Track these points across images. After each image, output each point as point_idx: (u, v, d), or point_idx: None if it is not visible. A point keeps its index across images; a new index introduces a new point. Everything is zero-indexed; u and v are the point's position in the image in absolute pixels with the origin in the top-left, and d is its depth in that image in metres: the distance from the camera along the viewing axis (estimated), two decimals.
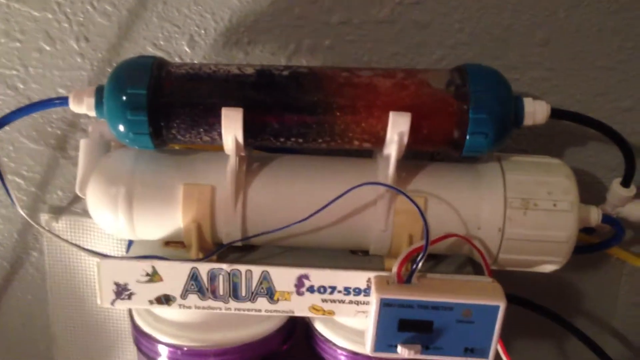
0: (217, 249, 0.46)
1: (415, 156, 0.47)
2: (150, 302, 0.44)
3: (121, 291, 0.44)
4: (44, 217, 0.60)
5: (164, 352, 0.48)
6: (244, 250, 0.48)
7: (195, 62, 0.53)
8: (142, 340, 0.49)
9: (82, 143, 0.48)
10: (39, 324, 0.66)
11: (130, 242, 0.51)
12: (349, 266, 0.44)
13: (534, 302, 0.53)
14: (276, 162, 0.46)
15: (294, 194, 0.45)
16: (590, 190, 0.57)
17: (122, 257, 0.46)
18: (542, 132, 0.55)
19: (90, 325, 0.65)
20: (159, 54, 0.54)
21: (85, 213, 0.60)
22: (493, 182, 0.45)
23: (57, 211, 0.60)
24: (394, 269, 0.42)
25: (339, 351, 0.48)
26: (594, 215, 0.47)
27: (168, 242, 0.49)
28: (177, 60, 0.54)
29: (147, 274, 0.43)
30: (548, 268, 0.47)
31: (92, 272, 0.62)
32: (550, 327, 0.57)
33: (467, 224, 0.45)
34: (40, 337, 0.67)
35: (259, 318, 0.48)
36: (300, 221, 0.44)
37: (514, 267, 0.47)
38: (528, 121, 0.44)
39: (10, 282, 0.65)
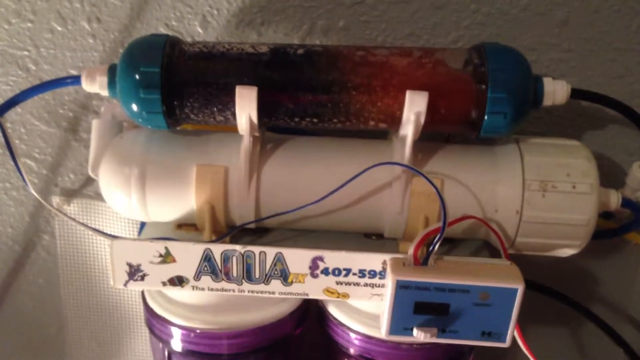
0: (230, 231, 0.46)
1: (430, 138, 0.47)
2: (163, 283, 0.44)
3: (134, 272, 0.43)
4: (55, 200, 0.60)
5: (176, 334, 0.48)
6: (257, 232, 0.48)
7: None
8: (155, 323, 0.49)
9: (95, 123, 0.48)
10: (51, 307, 0.66)
11: (143, 225, 0.50)
12: (363, 249, 0.44)
13: (550, 288, 0.53)
14: (290, 143, 0.46)
15: (308, 175, 0.44)
16: (608, 175, 0.56)
17: (135, 238, 0.45)
18: (560, 114, 0.54)
19: (102, 308, 0.64)
20: (172, 34, 0.53)
21: (97, 196, 0.60)
22: (511, 164, 0.44)
23: (69, 194, 0.60)
24: (411, 251, 0.41)
25: (353, 335, 0.48)
26: (614, 199, 0.46)
27: (180, 225, 0.48)
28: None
29: (160, 255, 0.43)
30: (566, 252, 0.46)
31: (104, 255, 0.61)
32: (566, 313, 0.56)
33: (484, 206, 0.44)
34: (52, 320, 0.67)
35: (272, 301, 0.48)
36: (314, 202, 0.43)
37: (531, 251, 0.46)
38: (548, 101, 0.43)
39: (22, 265, 0.65)
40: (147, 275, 0.43)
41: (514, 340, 0.42)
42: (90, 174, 0.47)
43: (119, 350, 0.67)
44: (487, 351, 0.44)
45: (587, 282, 0.61)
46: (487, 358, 0.54)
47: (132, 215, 0.47)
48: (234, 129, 0.44)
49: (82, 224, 0.57)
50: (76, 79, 0.44)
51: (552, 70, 0.53)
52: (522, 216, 0.43)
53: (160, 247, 0.43)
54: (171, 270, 0.43)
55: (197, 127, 0.50)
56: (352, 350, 0.48)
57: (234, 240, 0.47)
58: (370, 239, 0.48)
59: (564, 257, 0.47)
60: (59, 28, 0.53)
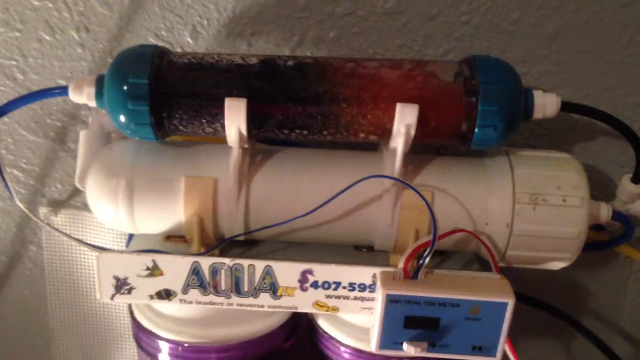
0: (219, 244, 0.45)
1: (421, 150, 0.47)
2: (151, 296, 0.43)
3: (121, 285, 0.43)
4: (42, 211, 0.59)
5: (164, 348, 0.47)
6: (246, 245, 0.47)
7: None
8: (142, 336, 0.48)
9: (82, 134, 0.47)
10: (37, 319, 0.65)
11: (131, 236, 0.50)
12: (353, 262, 0.43)
13: (541, 300, 0.52)
14: (280, 155, 0.46)
15: (298, 187, 0.44)
16: (599, 187, 0.56)
17: (122, 251, 0.45)
18: (550, 126, 0.54)
19: (89, 320, 0.64)
20: (161, 44, 0.53)
21: (85, 207, 0.59)
22: (501, 176, 0.44)
23: (56, 204, 0.59)
24: (400, 264, 0.41)
25: (343, 348, 0.47)
26: (604, 212, 0.46)
27: (169, 237, 0.48)
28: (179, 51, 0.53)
29: (148, 268, 0.42)
30: (557, 265, 0.46)
31: (92, 267, 0.61)
32: (557, 326, 0.56)
33: (474, 219, 0.44)
34: (38, 332, 0.66)
35: (261, 314, 0.47)
36: (304, 215, 0.43)
37: (522, 264, 0.46)
38: (538, 114, 0.43)
39: (8, 277, 0.64)
40: (134, 288, 0.43)
41: (504, 354, 0.42)
42: (78, 185, 0.47)
43: None
44: None
45: (578, 295, 0.61)
46: None
47: (119, 227, 0.46)
48: (222, 140, 0.44)
49: (68, 235, 0.56)
50: (64, 90, 0.44)
51: (543, 83, 0.54)
52: (513, 229, 0.43)
53: (147, 260, 0.42)
54: (159, 284, 0.43)
55: (186, 139, 0.49)
56: None
57: (223, 253, 0.46)
58: (361, 251, 0.48)
59: (555, 270, 0.47)
60: (47, 37, 0.53)
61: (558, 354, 0.65)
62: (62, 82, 0.54)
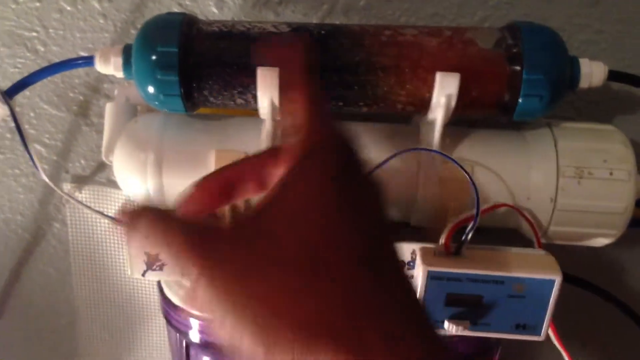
0: None
1: (453, 123, 0.45)
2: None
3: (152, 262, 0.42)
4: (66, 187, 0.58)
5: (195, 325, 0.46)
6: None
7: None
8: (172, 314, 0.47)
9: (108, 107, 0.46)
10: (62, 297, 0.65)
11: None
12: None
13: (582, 279, 0.51)
14: None
15: None
16: None
17: None
18: (591, 98, 0.52)
19: (115, 298, 0.63)
20: None
21: (109, 183, 0.58)
22: (544, 149, 0.42)
23: (80, 180, 0.58)
24: (442, 240, 0.39)
25: None
26: None
27: None
28: None
29: None
30: (601, 242, 0.44)
31: (117, 244, 0.60)
32: (597, 305, 0.54)
33: (515, 194, 0.42)
34: (63, 310, 0.66)
35: None
36: None
37: (564, 240, 0.44)
38: (584, 83, 0.41)
39: (32, 254, 0.63)
40: (166, 264, 0.42)
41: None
42: (104, 159, 0.45)
43: (131, 341, 0.66)
44: (512, 345, 0.43)
45: (619, 274, 0.60)
46: (513, 351, 0.52)
47: (147, 202, 0.45)
48: (252, 112, 0.43)
49: (98, 211, 0.55)
50: (89, 60, 0.42)
51: (582, 52, 0.51)
52: (557, 204, 0.41)
53: None
54: None
55: (213, 111, 0.48)
56: None
57: None
58: None
59: (596, 247, 0.45)
60: (68, 8, 0.51)
61: (597, 334, 0.63)
62: (84, 54, 0.53)
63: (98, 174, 0.58)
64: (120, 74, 0.41)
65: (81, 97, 0.55)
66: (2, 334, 0.67)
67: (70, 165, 0.58)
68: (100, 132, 0.55)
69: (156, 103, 0.41)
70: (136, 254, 0.41)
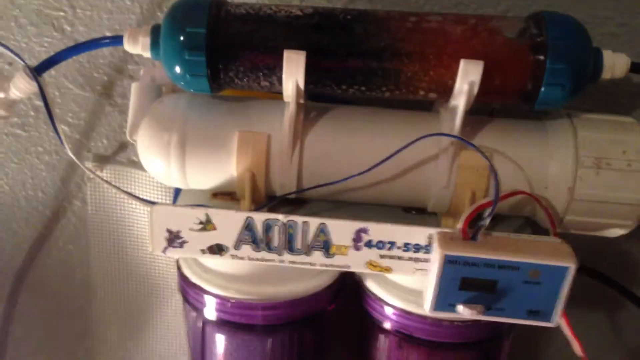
0: (270, 201, 0.45)
1: (472, 112, 0.45)
2: (203, 251, 0.43)
3: (173, 239, 0.42)
4: (88, 166, 0.59)
5: (211, 303, 0.47)
6: (295, 204, 0.47)
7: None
8: (190, 291, 0.48)
9: (134, 86, 0.46)
10: (79, 274, 0.66)
11: (177, 192, 0.50)
12: (406, 222, 0.42)
13: (594, 269, 0.51)
14: (334, 112, 0.45)
15: (353, 145, 0.43)
16: None
17: (175, 204, 0.44)
18: (612, 90, 0.52)
19: (131, 276, 0.64)
20: None
21: (130, 163, 0.59)
22: (564, 139, 0.43)
23: (102, 160, 0.59)
24: (460, 225, 0.40)
25: (391, 310, 0.47)
26: None
27: (216, 194, 0.47)
28: None
29: (201, 222, 0.42)
30: (616, 232, 0.44)
31: (135, 222, 0.61)
32: (606, 295, 0.55)
33: (533, 182, 0.43)
34: (80, 286, 0.67)
35: (309, 274, 0.47)
36: (360, 173, 0.42)
37: (580, 230, 0.44)
38: (606, 74, 0.41)
39: (52, 231, 0.64)
40: (187, 242, 0.43)
41: None
42: (129, 138, 0.46)
43: (147, 318, 0.67)
44: (524, 333, 0.43)
45: (630, 265, 0.60)
46: (523, 339, 0.53)
47: (169, 181, 0.46)
48: (274, 95, 0.43)
49: (120, 189, 0.56)
50: (117, 40, 0.43)
51: (604, 45, 0.51)
52: (574, 194, 0.42)
53: (201, 214, 0.42)
54: (211, 238, 0.42)
55: (238, 93, 0.48)
56: (388, 326, 0.47)
57: (271, 211, 0.46)
58: (410, 213, 0.47)
59: (605, 238, 0.45)
60: None
61: (606, 324, 0.64)
62: (110, 35, 0.54)
63: (119, 153, 0.59)
64: (147, 54, 0.42)
65: (105, 78, 0.56)
66: (20, 308, 0.69)
67: (92, 144, 0.59)
68: (123, 112, 0.56)
69: (182, 83, 0.42)
70: (158, 231, 0.42)
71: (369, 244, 0.42)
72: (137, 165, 0.58)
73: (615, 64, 0.41)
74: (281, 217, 0.41)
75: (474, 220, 0.41)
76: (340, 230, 0.42)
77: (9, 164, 0.61)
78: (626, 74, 0.42)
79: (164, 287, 0.65)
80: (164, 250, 0.43)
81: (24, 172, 0.61)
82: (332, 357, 0.56)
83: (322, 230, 0.42)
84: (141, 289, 0.65)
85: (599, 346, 0.64)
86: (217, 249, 0.43)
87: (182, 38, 0.40)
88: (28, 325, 0.70)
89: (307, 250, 0.42)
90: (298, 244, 0.42)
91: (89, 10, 0.53)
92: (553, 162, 0.42)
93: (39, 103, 0.57)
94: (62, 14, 0.53)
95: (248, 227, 0.42)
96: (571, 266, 0.39)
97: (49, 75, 0.55)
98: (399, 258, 0.42)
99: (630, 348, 0.65)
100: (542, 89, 0.40)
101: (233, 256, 0.43)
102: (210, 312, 0.48)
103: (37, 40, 0.54)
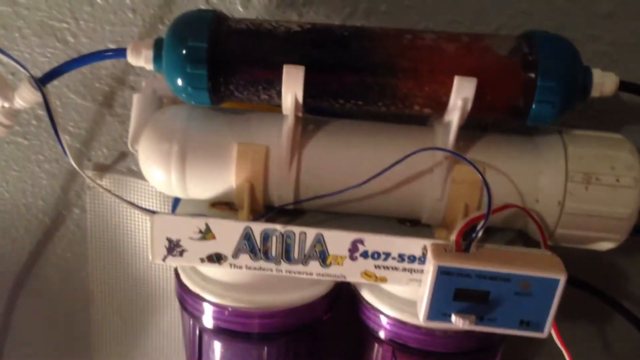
0: (268, 212, 0.46)
1: (465, 127, 0.46)
2: (202, 260, 0.44)
3: (173, 247, 0.43)
4: (88, 175, 0.60)
5: (209, 311, 0.48)
6: (292, 214, 0.48)
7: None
8: (187, 299, 0.49)
9: (135, 97, 0.47)
10: (78, 282, 0.67)
11: (176, 202, 0.50)
12: (400, 234, 0.43)
13: (583, 281, 0.52)
14: (332, 125, 0.46)
15: (350, 157, 0.44)
16: None
17: (176, 213, 0.45)
18: (600, 108, 0.54)
19: (129, 284, 0.65)
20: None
21: (129, 172, 0.60)
22: (554, 154, 0.44)
23: (102, 169, 0.60)
24: (453, 237, 0.41)
25: (385, 319, 0.48)
26: None
27: (214, 204, 0.48)
28: None
29: (201, 231, 0.43)
30: (604, 246, 0.45)
31: (134, 231, 0.62)
32: (596, 307, 0.56)
33: (524, 196, 0.44)
34: (78, 294, 0.67)
35: (305, 283, 0.48)
36: (357, 185, 0.43)
37: (570, 243, 0.45)
38: (595, 92, 0.43)
39: (51, 239, 0.65)
40: (186, 251, 0.43)
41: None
42: (130, 148, 0.47)
43: (143, 326, 0.67)
44: (515, 344, 0.44)
45: (619, 278, 0.61)
46: (515, 349, 0.54)
47: (169, 191, 0.47)
48: (273, 108, 0.44)
49: (119, 197, 0.57)
50: (121, 52, 0.44)
51: (595, 64, 0.52)
52: (564, 207, 0.43)
53: (200, 223, 0.43)
54: (210, 247, 0.43)
55: (236, 106, 0.50)
56: (383, 335, 0.48)
57: (269, 221, 0.46)
58: (405, 225, 0.48)
59: (596, 252, 0.46)
60: (99, 1, 0.53)
61: (596, 336, 0.65)
62: (112, 47, 0.55)
63: (119, 163, 0.60)
64: (150, 67, 0.43)
65: (107, 88, 0.57)
66: (18, 315, 0.69)
67: (92, 153, 0.60)
68: (123, 122, 0.57)
69: (184, 95, 0.43)
70: (158, 240, 0.43)
71: (364, 255, 0.43)
72: (136, 174, 0.59)
73: (604, 82, 0.42)
74: (279, 227, 0.42)
75: (467, 233, 0.42)
76: (337, 240, 0.43)
77: (10, 171, 0.62)
78: (615, 92, 0.43)
79: (162, 295, 0.65)
80: (164, 259, 0.44)
81: (24, 180, 0.62)
82: None
83: (319, 240, 0.43)
84: (139, 296, 0.65)
85: (588, 356, 0.65)
86: (216, 258, 0.44)
87: (184, 52, 0.41)
88: (26, 331, 0.71)
89: (304, 260, 0.43)
90: (295, 253, 0.43)
91: (91, 22, 0.54)
92: (544, 176, 0.44)
93: (41, 112, 0.58)
94: (65, 25, 0.54)
95: (246, 236, 0.43)
96: (561, 278, 0.40)
97: (51, 85, 0.56)
98: (394, 268, 0.43)
99: (619, 359, 0.66)
100: (533, 105, 0.41)
101: (232, 265, 0.44)
102: (208, 319, 0.49)
103: (41, 51, 0.55)
